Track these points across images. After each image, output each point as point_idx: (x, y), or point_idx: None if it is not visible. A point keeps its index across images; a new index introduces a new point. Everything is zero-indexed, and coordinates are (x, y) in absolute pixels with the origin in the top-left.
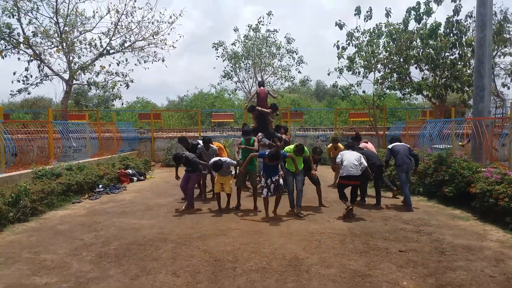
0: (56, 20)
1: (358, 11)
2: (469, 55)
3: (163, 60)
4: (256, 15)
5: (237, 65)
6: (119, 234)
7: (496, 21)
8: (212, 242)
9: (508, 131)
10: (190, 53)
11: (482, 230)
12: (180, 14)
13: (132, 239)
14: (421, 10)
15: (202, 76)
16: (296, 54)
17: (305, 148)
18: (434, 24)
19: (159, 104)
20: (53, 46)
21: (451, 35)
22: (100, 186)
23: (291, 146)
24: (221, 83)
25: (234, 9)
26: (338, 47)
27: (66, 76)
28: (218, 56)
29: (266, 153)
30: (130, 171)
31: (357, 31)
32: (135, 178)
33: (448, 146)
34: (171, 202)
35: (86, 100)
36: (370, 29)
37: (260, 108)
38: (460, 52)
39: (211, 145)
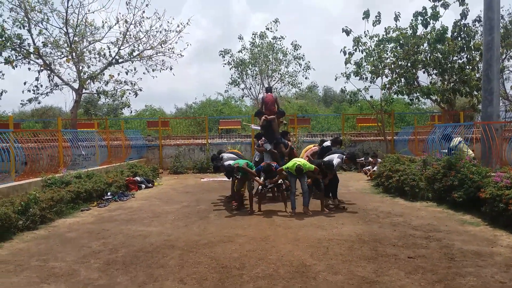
0: (66, 31)
1: (366, 14)
2: (477, 59)
3: (171, 69)
4: (264, 22)
5: (244, 72)
6: (126, 241)
7: (503, 25)
8: (219, 249)
9: None
10: (200, 61)
11: (492, 236)
12: (187, 23)
13: (140, 246)
14: (428, 15)
15: (212, 83)
16: (303, 60)
17: (307, 165)
18: (441, 29)
19: (167, 111)
20: (63, 56)
21: (459, 39)
22: (109, 193)
23: (290, 164)
24: (228, 90)
25: (243, 16)
26: (345, 53)
27: (76, 85)
28: (225, 64)
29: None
30: (138, 178)
31: (365, 36)
32: (143, 186)
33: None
34: (179, 209)
35: (95, 109)
36: (378, 34)
37: (265, 117)
38: (468, 56)
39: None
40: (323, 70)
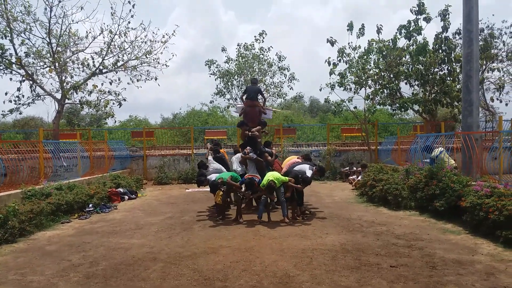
0: (48, 41)
1: (350, 26)
2: (458, 70)
3: (156, 79)
4: (252, 33)
5: (229, 83)
6: (107, 254)
7: (482, 37)
8: (202, 260)
9: (498, 145)
10: (187, 71)
11: (473, 244)
12: (173, 34)
13: (121, 259)
14: (411, 28)
15: (199, 93)
16: (288, 71)
17: (280, 178)
18: (423, 42)
19: (153, 122)
20: (45, 66)
21: (440, 51)
22: (90, 205)
23: (264, 181)
24: (213, 101)
25: (231, 27)
26: (329, 64)
27: (58, 95)
28: (211, 74)
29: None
30: (121, 189)
31: (349, 47)
32: (126, 197)
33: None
34: (162, 221)
35: (78, 119)
36: (360, 46)
37: (248, 132)
38: (449, 68)
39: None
40: (310, 80)
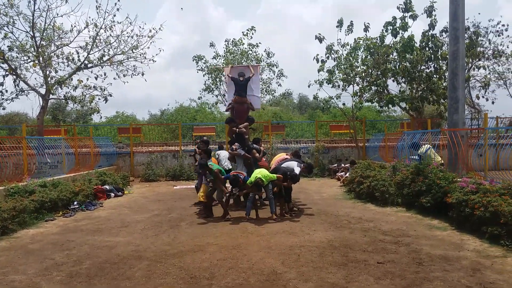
0: (32, 34)
1: (340, 23)
2: (444, 68)
3: (142, 74)
4: (241, 30)
5: (217, 79)
6: (92, 252)
7: (468, 35)
8: (189, 258)
9: (483, 142)
10: (176, 66)
11: (459, 240)
12: (160, 28)
13: (106, 257)
14: (397, 25)
15: (188, 89)
16: (277, 68)
17: (268, 176)
18: (408, 38)
19: (140, 118)
20: (29, 60)
21: (427, 49)
22: (75, 203)
23: (252, 178)
24: (201, 97)
25: (220, 23)
26: (317, 61)
27: (43, 90)
28: (199, 70)
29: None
30: (107, 187)
31: (337, 44)
32: (112, 194)
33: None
34: (149, 218)
35: (64, 115)
36: (348, 43)
37: (235, 128)
38: (436, 66)
39: None
40: (299, 78)
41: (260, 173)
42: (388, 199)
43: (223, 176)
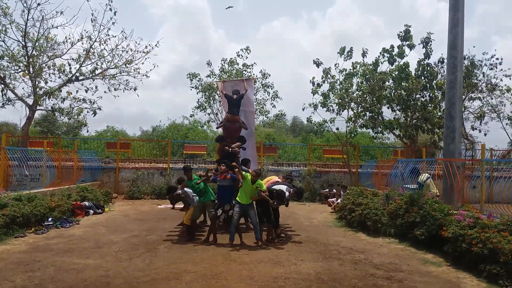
0: (24, 44)
1: (342, 51)
2: (439, 97)
3: (135, 89)
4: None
5: (211, 97)
6: (57, 276)
7: (464, 66)
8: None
9: (479, 174)
10: (174, 85)
11: (455, 278)
12: (156, 45)
13: (71, 282)
14: (395, 52)
15: (185, 107)
16: (271, 89)
17: (260, 183)
18: (403, 64)
19: (131, 133)
20: (20, 70)
21: (422, 77)
22: (50, 219)
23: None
24: (194, 115)
25: (220, 45)
26: (313, 84)
27: (30, 101)
28: (192, 87)
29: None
30: (86, 203)
31: (335, 69)
32: (91, 211)
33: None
34: (126, 239)
35: (54, 128)
36: (345, 68)
37: (227, 148)
38: (431, 95)
39: None
40: (295, 102)
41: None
42: (380, 229)
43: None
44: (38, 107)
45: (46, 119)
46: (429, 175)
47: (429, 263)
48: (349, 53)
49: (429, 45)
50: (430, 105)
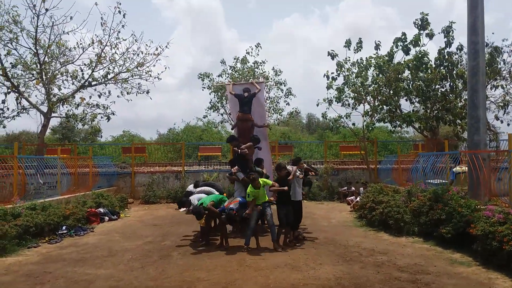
0: (35, 51)
1: (348, 43)
2: (460, 87)
3: (147, 92)
4: (254, 51)
5: (223, 97)
6: (67, 287)
7: (487, 52)
8: None
9: (507, 165)
10: (190, 87)
11: (486, 279)
12: (166, 46)
13: None
14: (408, 41)
15: (201, 109)
16: (285, 86)
17: (264, 181)
18: (421, 53)
19: (147, 138)
20: (33, 78)
21: (442, 67)
22: (64, 227)
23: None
24: (207, 115)
25: (233, 45)
26: (328, 77)
27: (44, 108)
28: (204, 87)
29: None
30: (101, 209)
31: (346, 62)
32: (106, 218)
33: (443, 181)
34: (139, 246)
35: (73, 135)
36: (358, 60)
37: (239, 150)
38: (452, 84)
39: None
40: (309, 99)
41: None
42: (403, 227)
43: (218, 209)
44: (52, 114)
45: (65, 126)
46: (465, 169)
47: (457, 263)
48: (359, 45)
49: (450, 33)
50: (451, 95)
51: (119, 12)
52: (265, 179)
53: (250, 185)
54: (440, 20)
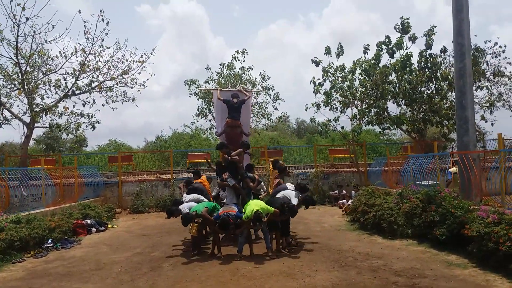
0: (16, 61)
1: (328, 50)
2: (445, 88)
3: (133, 100)
4: (241, 58)
5: (211, 103)
6: None
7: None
8: None
9: (497, 165)
10: (177, 94)
11: (484, 281)
12: (151, 53)
13: None
14: (392, 44)
15: (189, 116)
16: (272, 91)
17: (265, 208)
18: (405, 55)
19: (135, 146)
20: (15, 88)
21: (426, 69)
22: (50, 241)
23: (248, 212)
24: (194, 122)
25: (220, 52)
26: (314, 84)
27: (27, 119)
28: (191, 94)
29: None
30: (88, 221)
31: (330, 68)
32: (93, 229)
33: (434, 182)
34: (128, 258)
35: (58, 145)
36: (343, 64)
37: (228, 157)
38: (437, 86)
39: None
40: (297, 104)
41: (257, 205)
42: (396, 230)
43: (212, 217)
44: (35, 125)
45: (49, 136)
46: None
47: (454, 266)
48: (339, 50)
49: (431, 36)
50: (436, 96)
51: (103, 20)
52: (268, 207)
53: (248, 208)
54: (422, 24)
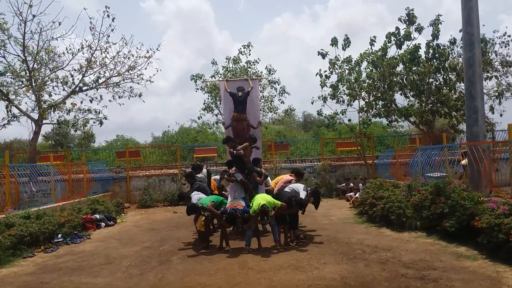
0: (24, 58)
1: (334, 41)
2: (453, 79)
3: (140, 95)
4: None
5: (217, 97)
6: None
7: None
8: None
9: (507, 156)
10: (183, 90)
11: (494, 273)
12: (157, 49)
13: None
14: (401, 35)
15: (195, 111)
16: (278, 85)
17: (272, 202)
18: (413, 46)
19: (142, 141)
20: (22, 85)
21: (434, 60)
22: (59, 235)
23: (255, 206)
24: (201, 116)
25: (226, 47)
26: (321, 76)
27: (35, 115)
28: (198, 89)
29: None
30: (97, 216)
31: (337, 60)
32: (102, 224)
33: (443, 174)
34: (138, 252)
35: (67, 141)
36: (350, 56)
37: (234, 152)
38: (445, 77)
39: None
40: (303, 97)
41: (263, 199)
42: (405, 223)
43: (219, 211)
44: (43, 121)
45: (58, 132)
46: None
47: (463, 257)
48: (346, 42)
49: (437, 26)
50: (444, 87)
51: (108, 16)
52: (275, 201)
53: (254, 202)
54: (429, 15)
